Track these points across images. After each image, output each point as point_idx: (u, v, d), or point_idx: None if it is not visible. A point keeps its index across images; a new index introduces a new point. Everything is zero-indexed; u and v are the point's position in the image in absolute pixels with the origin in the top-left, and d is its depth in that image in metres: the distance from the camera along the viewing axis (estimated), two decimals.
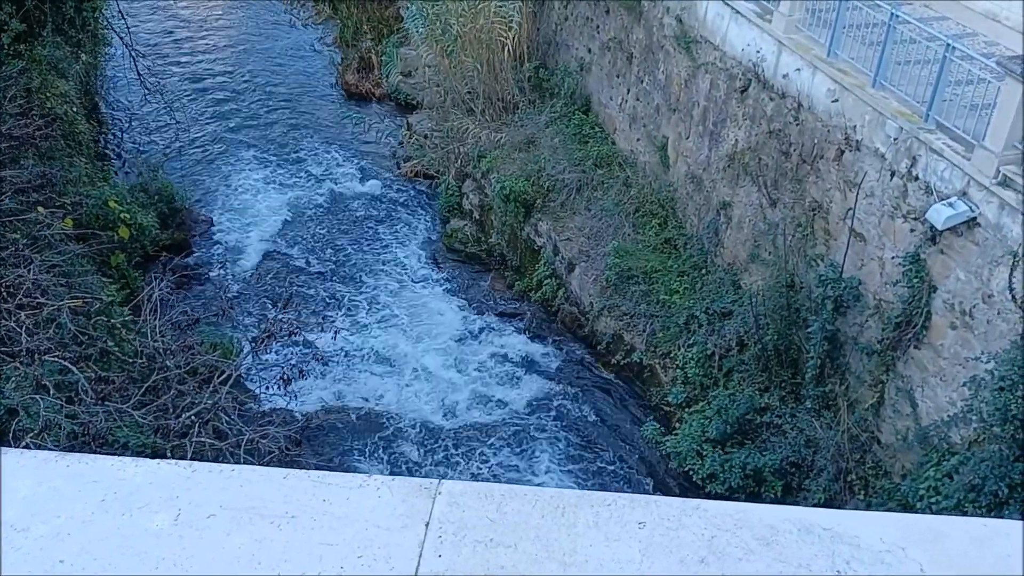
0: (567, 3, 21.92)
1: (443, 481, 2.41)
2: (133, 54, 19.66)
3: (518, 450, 15.61)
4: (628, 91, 19.53)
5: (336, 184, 22.42)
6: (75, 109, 18.89)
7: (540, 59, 22.87)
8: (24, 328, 10.67)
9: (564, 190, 19.23)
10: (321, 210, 21.49)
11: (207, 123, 24.56)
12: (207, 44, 28.96)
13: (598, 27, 20.58)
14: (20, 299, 11.36)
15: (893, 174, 12.37)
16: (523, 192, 19.26)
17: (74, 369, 10.60)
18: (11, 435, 9.88)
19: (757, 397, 14.24)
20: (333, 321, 17.89)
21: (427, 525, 2.27)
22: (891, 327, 12.46)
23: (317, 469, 13.38)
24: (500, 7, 21.57)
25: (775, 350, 14.28)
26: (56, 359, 10.63)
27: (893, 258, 12.41)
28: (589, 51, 21.10)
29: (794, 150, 14.26)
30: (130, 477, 2.43)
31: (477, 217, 20.75)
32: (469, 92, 22.30)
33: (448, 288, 19.36)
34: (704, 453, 14.22)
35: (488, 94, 22.13)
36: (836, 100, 13.29)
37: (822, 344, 13.28)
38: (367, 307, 18.68)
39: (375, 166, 23.19)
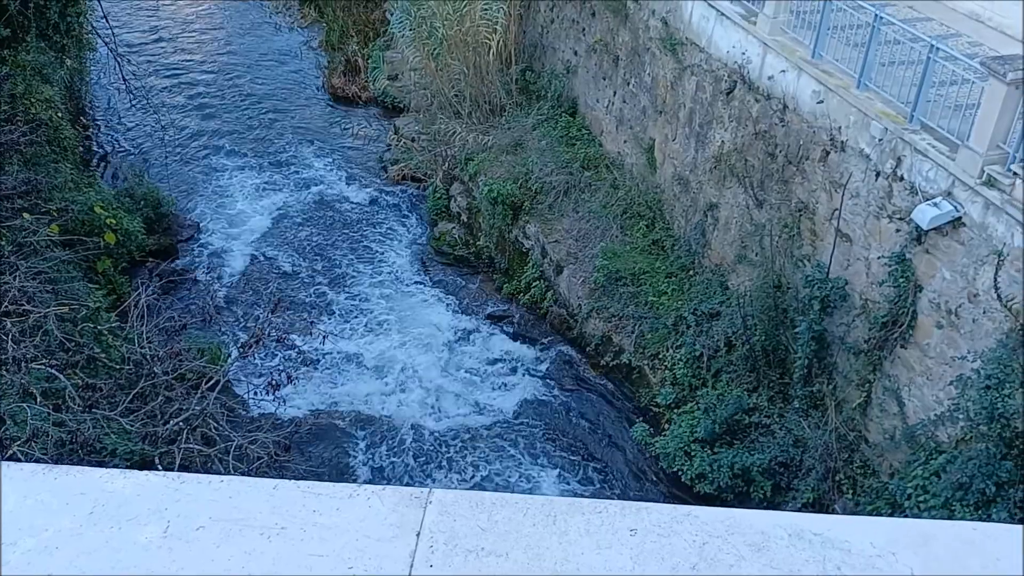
0: (553, 6, 21.94)
1: (434, 490, 2.41)
2: (118, 59, 19.55)
3: (508, 453, 15.60)
4: (614, 93, 19.57)
5: (323, 188, 22.36)
6: (60, 114, 18.77)
7: (527, 62, 22.89)
8: (10, 336, 10.59)
9: (551, 192, 19.25)
10: (308, 214, 21.43)
11: (193, 127, 24.46)
12: (192, 47, 28.85)
13: (584, 29, 20.61)
14: (6, 306, 11.28)
15: (878, 174, 12.44)
16: (511, 195, 19.27)
17: (61, 376, 10.53)
18: None
19: (745, 397, 14.29)
20: (321, 325, 17.84)
21: (418, 535, 2.26)
22: (878, 327, 12.52)
23: (306, 475, 13.34)
24: (486, 10, 21.57)
25: (763, 350, 14.33)
26: (43, 366, 10.56)
27: (879, 258, 12.48)
28: (575, 53, 21.13)
29: (780, 151, 14.32)
30: (118, 489, 2.42)
31: (465, 220, 20.74)
32: (456, 95, 22.29)
33: (436, 291, 19.34)
34: (693, 453, 14.25)
35: (475, 97, 22.13)
36: (821, 101, 13.36)
37: (809, 344, 13.33)
38: (355, 311, 18.64)
39: (362, 170, 23.14)
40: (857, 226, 12.91)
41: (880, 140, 12.35)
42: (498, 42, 21.77)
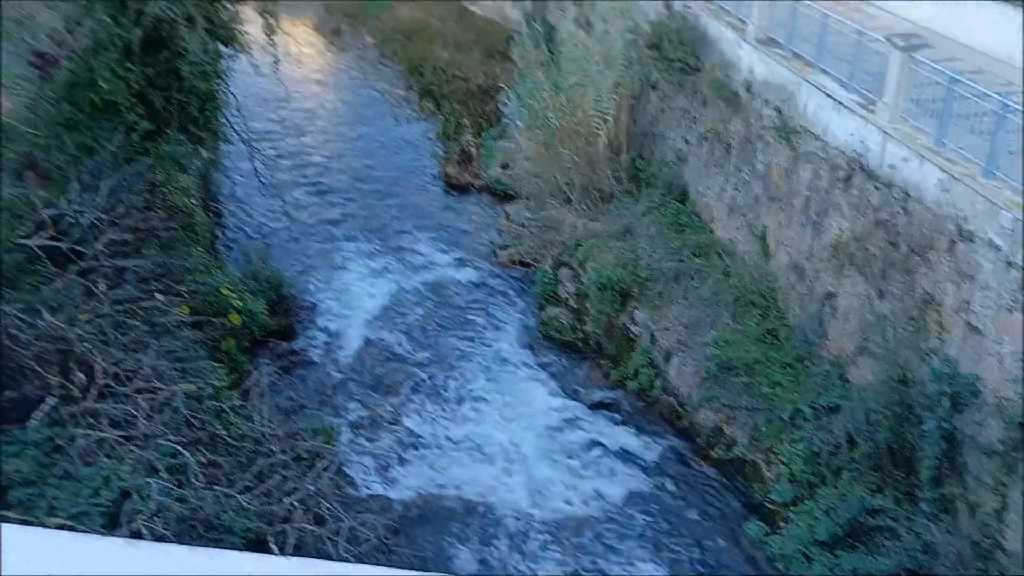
0: (664, 96, 22.23)
1: None
2: (252, 152, 20.75)
3: (615, 547, 15.20)
4: (726, 180, 19.51)
5: (436, 271, 22.89)
6: (194, 202, 19.94)
7: (637, 150, 23.15)
8: (142, 413, 11.11)
9: (661, 279, 19.15)
10: (420, 297, 21.91)
11: (314, 212, 25.56)
12: (316, 136, 30.39)
13: (695, 119, 20.76)
14: (138, 384, 11.87)
15: (1009, 265, 11.90)
16: (619, 280, 19.27)
17: (185, 453, 10.94)
18: (122, 516, 10.20)
19: (869, 498, 13.57)
20: (430, 407, 18.03)
21: None
22: (1013, 427, 11.79)
23: (413, 560, 13.25)
24: (597, 100, 22.03)
25: (888, 448, 13.65)
26: (169, 443, 11.01)
27: (1012, 353, 11.83)
28: (686, 142, 21.25)
29: (902, 240, 13.90)
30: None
31: (573, 305, 20.80)
32: (567, 183, 22.66)
33: (544, 376, 19.32)
34: (812, 556, 13.56)
35: (585, 184, 22.45)
36: (946, 190, 12.97)
37: (938, 443, 12.64)
38: (463, 394, 18.76)
39: (473, 254, 23.63)
40: (988, 319, 12.31)
41: (1011, 230, 11.85)
42: (608, 131, 22.14)
